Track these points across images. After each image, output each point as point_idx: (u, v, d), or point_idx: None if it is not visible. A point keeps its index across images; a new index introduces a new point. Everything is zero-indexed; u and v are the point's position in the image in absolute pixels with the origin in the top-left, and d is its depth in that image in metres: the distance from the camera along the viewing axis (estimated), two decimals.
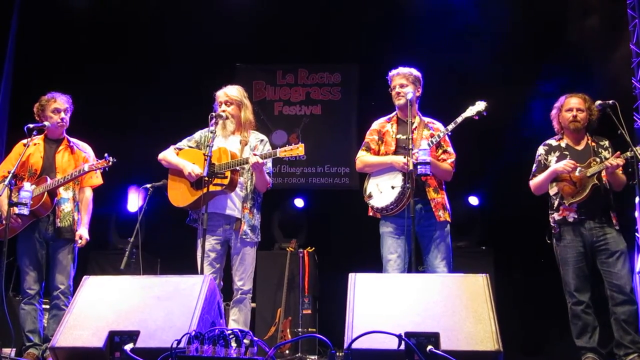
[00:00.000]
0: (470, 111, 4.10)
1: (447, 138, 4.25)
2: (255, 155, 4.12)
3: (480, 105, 4.09)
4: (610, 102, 4.21)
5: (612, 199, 4.32)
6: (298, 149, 4.09)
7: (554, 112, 4.55)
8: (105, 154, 4.40)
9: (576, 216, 4.26)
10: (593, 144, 4.40)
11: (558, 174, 4.33)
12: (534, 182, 4.49)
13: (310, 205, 7.53)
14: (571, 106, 4.42)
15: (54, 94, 4.64)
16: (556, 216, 4.36)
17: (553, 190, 4.40)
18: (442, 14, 6.86)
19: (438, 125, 4.37)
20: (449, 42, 6.81)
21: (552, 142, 4.52)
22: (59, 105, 4.59)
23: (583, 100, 4.41)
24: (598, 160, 4.26)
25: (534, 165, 4.54)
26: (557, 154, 4.43)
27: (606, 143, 4.39)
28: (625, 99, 5.82)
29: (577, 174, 4.25)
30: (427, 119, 4.39)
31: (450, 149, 4.30)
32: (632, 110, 6.13)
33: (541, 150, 4.53)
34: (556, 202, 4.37)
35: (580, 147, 4.42)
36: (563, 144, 4.46)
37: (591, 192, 4.20)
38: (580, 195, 4.23)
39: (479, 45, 6.68)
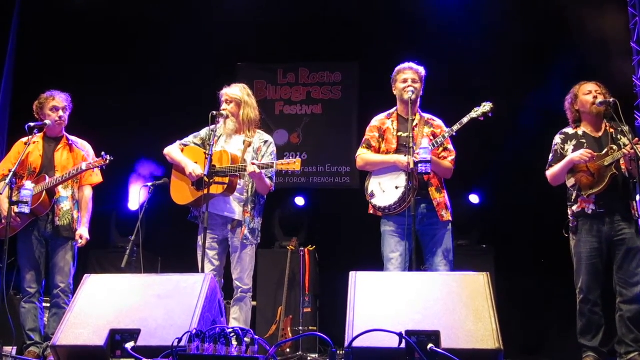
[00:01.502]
0: (476, 112, 4.09)
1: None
2: (253, 164, 4.12)
3: (486, 107, 4.08)
4: (611, 100, 4.18)
5: (631, 188, 4.19)
6: (295, 164, 4.07)
7: (568, 101, 4.41)
8: (103, 153, 4.40)
9: (594, 208, 4.14)
10: (611, 130, 4.27)
11: (575, 164, 4.20)
12: (550, 173, 4.37)
13: (311, 204, 7.54)
14: (590, 89, 4.30)
15: (52, 92, 4.64)
16: (575, 208, 4.23)
17: (570, 182, 4.27)
18: (442, 12, 6.86)
19: (439, 122, 4.36)
20: (450, 40, 6.81)
21: (569, 130, 4.39)
22: (57, 104, 4.59)
23: (598, 86, 4.32)
24: (615, 148, 4.13)
25: (550, 155, 4.41)
26: (574, 142, 4.31)
27: (626, 128, 4.17)
28: (625, 97, 5.82)
29: (596, 162, 4.12)
30: (427, 116, 4.38)
31: (450, 147, 4.29)
32: (633, 108, 6.13)
33: (557, 139, 4.40)
34: (574, 194, 4.24)
35: (598, 134, 4.30)
36: (580, 132, 4.33)
37: (610, 182, 4.08)
38: (598, 186, 4.11)
39: (479, 43, 6.67)
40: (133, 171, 6.82)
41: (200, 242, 4.17)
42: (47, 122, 4.53)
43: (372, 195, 4.23)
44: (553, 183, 4.40)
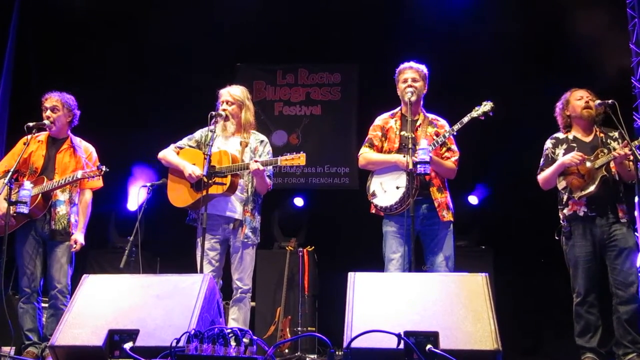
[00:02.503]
0: (476, 112, 4.10)
1: (451, 136, 4.25)
2: (256, 162, 4.12)
3: (486, 106, 4.10)
4: (610, 101, 4.18)
5: (621, 191, 4.22)
6: (299, 159, 4.06)
7: (559, 107, 4.46)
8: (98, 164, 4.43)
9: (586, 210, 4.17)
10: (602, 135, 4.31)
11: (566, 166, 4.24)
12: (541, 177, 4.40)
13: (309, 205, 7.54)
14: (581, 95, 4.35)
15: (50, 92, 4.64)
16: (566, 212, 4.26)
17: (561, 185, 4.30)
18: (442, 12, 6.86)
19: (443, 122, 4.37)
20: (449, 40, 6.81)
21: (560, 135, 4.44)
22: (46, 104, 4.59)
23: (589, 92, 4.36)
24: (606, 151, 4.16)
25: (542, 159, 4.45)
26: (565, 146, 4.35)
27: (615, 134, 4.26)
28: (624, 99, 5.82)
29: (587, 165, 4.15)
30: (431, 116, 4.38)
31: (454, 147, 4.29)
32: (632, 109, 6.14)
33: (548, 143, 4.45)
34: (565, 197, 4.28)
35: (588, 139, 4.33)
36: (571, 136, 4.37)
37: (600, 184, 4.11)
38: (589, 188, 4.14)
39: (479, 43, 6.68)
40: (131, 175, 6.83)
41: (199, 243, 4.16)
42: (46, 121, 4.53)
43: (374, 195, 4.23)
44: (544, 187, 4.44)
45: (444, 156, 4.25)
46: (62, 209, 4.51)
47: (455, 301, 3.00)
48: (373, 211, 4.31)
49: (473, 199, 7.02)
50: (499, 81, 6.44)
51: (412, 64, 4.34)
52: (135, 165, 6.78)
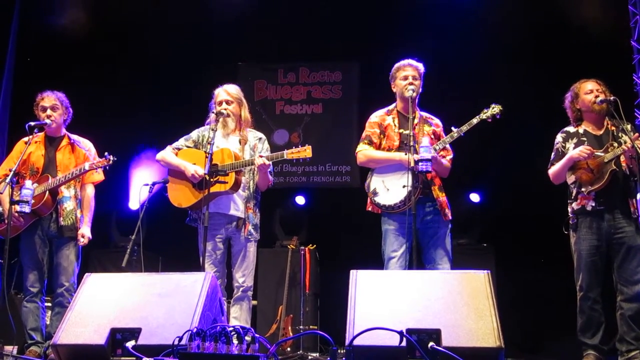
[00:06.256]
0: (485, 114, 4.13)
1: (444, 135, 4.24)
2: (261, 157, 4.11)
3: (494, 109, 4.13)
4: (611, 98, 4.17)
5: (632, 185, 4.17)
6: (305, 151, 4.04)
7: (568, 100, 4.40)
8: (106, 153, 4.39)
9: (594, 204, 4.12)
10: (613, 128, 4.26)
11: (574, 160, 4.19)
12: (551, 171, 4.37)
13: (311, 203, 7.54)
14: (591, 88, 4.29)
15: (44, 92, 4.63)
16: (575, 206, 4.22)
17: (571, 179, 4.26)
18: (442, 11, 6.86)
19: (437, 120, 4.37)
20: (450, 39, 6.81)
21: (570, 129, 4.39)
22: (44, 104, 4.58)
23: (598, 84, 4.30)
24: (616, 144, 4.12)
25: (552, 153, 4.41)
26: (575, 140, 4.29)
27: (628, 127, 4.18)
28: (626, 96, 5.81)
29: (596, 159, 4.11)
30: (425, 114, 4.37)
31: (448, 146, 4.28)
32: (633, 106, 6.13)
33: (559, 137, 4.40)
34: (574, 191, 4.23)
35: (599, 132, 4.28)
36: (581, 130, 4.32)
37: (610, 178, 4.07)
38: (598, 183, 4.10)
39: (479, 41, 6.67)
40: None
41: (201, 242, 4.16)
42: (47, 121, 4.53)
43: (375, 193, 4.20)
44: (555, 181, 4.39)
45: (440, 155, 4.24)
46: (69, 205, 4.51)
47: (457, 299, 3.00)
48: (369, 208, 4.28)
49: (474, 197, 7.01)
50: (499, 79, 6.44)
51: (411, 61, 4.33)
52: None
